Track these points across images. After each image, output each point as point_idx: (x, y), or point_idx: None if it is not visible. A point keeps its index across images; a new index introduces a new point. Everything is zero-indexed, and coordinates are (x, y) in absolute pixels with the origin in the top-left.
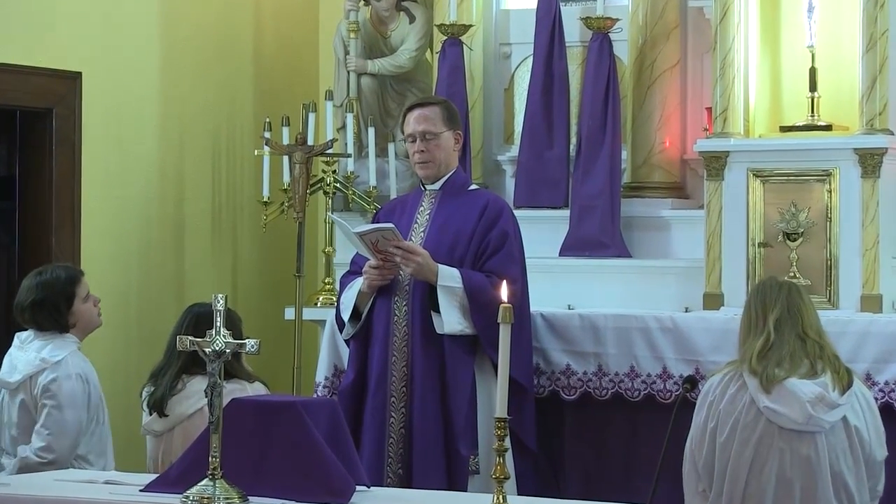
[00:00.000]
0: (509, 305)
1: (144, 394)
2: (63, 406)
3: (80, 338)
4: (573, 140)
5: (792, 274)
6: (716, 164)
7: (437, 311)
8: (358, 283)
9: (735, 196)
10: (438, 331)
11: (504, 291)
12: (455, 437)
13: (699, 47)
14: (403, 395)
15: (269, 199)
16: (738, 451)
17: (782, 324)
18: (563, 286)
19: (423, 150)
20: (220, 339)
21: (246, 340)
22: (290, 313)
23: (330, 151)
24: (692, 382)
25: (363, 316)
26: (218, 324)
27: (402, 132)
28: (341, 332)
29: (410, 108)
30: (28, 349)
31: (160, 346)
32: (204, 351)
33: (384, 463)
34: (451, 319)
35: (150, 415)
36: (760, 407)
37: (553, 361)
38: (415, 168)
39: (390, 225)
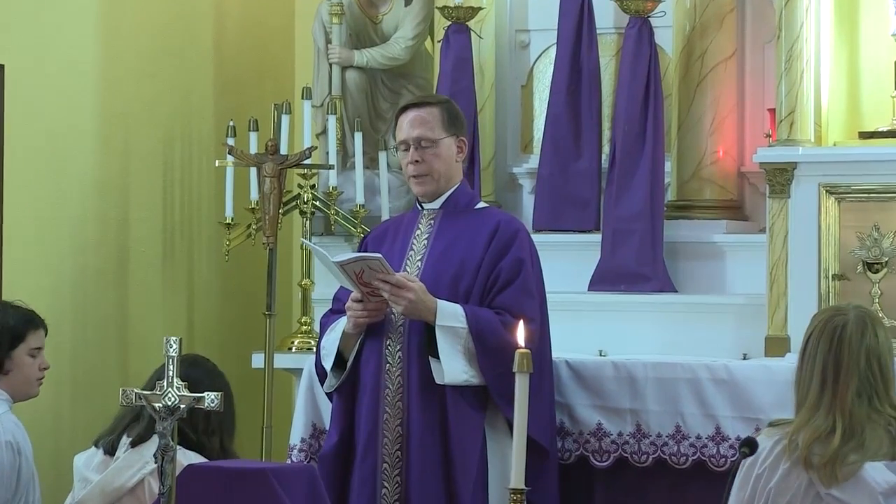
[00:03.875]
0: (527, 351)
1: (78, 460)
2: None
3: (11, 395)
4: (605, 149)
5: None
6: (780, 178)
7: (437, 356)
8: (341, 324)
9: (804, 217)
10: (438, 381)
11: (520, 333)
12: None
13: (760, 36)
14: (398, 461)
15: (232, 220)
16: None
17: (861, 396)
18: (594, 327)
19: (417, 161)
20: (172, 391)
21: (204, 394)
22: (258, 360)
23: (308, 162)
24: (751, 446)
25: (349, 363)
26: (170, 374)
27: (395, 138)
28: (322, 383)
29: (404, 110)
30: None
31: (98, 401)
32: (153, 406)
33: None
34: (453, 367)
35: (104, 453)
36: (821, 493)
37: (581, 420)
38: (409, 183)
39: (377, 255)
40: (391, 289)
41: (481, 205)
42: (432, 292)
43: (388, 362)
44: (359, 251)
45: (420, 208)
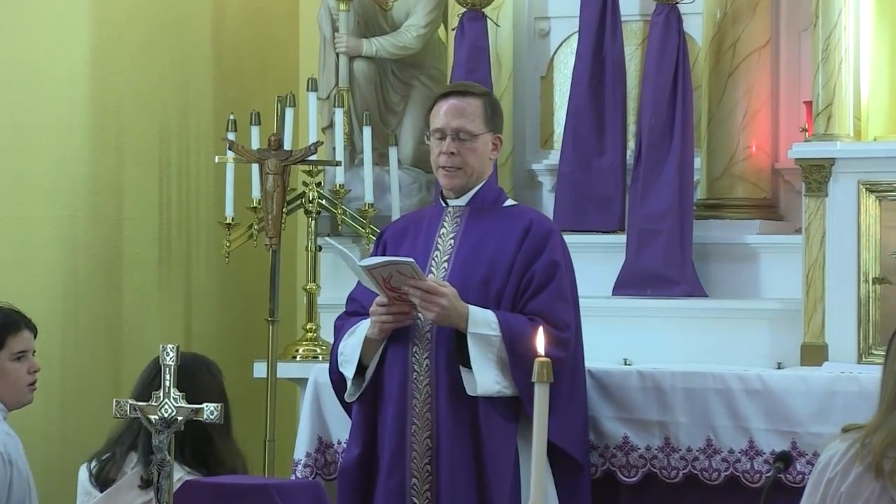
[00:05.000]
0: (547, 360)
1: (82, 473)
2: None
3: (4, 404)
4: (630, 144)
5: None
6: (817, 175)
7: (468, 365)
8: (363, 328)
9: (842, 217)
10: (470, 392)
11: (539, 340)
12: None
13: (795, 23)
14: (428, 476)
15: (233, 220)
16: None
17: None
18: (618, 334)
19: (452, 153)
20: (169, 402)
21: (203, 406)
22: (260, 369)
23: (313, 158)
24: (786, 460)
25: (369, 371)
26: (167, 384)
27: (429, 125)
28: (339, 393)
29: (445, 96)
30: None
31: (89, 411)
32: (148, 418)
33: None
34: (486, 378)
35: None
36: (895, 498)
37: (606, 433)
38: (437, 174)
39: (409, 259)
40: (423, 294)
41: (509, 202)
42: (460, 295)
43: (416, 370)
44: (375, 247)
45: (444, 205)
